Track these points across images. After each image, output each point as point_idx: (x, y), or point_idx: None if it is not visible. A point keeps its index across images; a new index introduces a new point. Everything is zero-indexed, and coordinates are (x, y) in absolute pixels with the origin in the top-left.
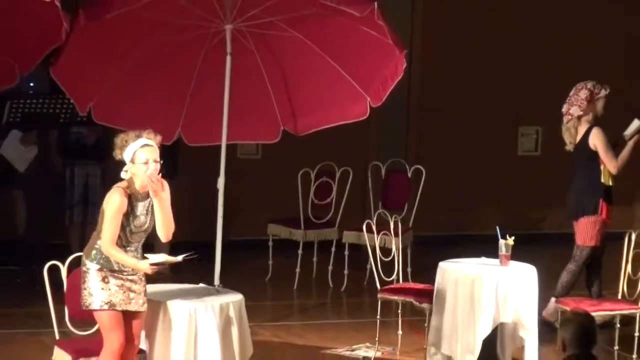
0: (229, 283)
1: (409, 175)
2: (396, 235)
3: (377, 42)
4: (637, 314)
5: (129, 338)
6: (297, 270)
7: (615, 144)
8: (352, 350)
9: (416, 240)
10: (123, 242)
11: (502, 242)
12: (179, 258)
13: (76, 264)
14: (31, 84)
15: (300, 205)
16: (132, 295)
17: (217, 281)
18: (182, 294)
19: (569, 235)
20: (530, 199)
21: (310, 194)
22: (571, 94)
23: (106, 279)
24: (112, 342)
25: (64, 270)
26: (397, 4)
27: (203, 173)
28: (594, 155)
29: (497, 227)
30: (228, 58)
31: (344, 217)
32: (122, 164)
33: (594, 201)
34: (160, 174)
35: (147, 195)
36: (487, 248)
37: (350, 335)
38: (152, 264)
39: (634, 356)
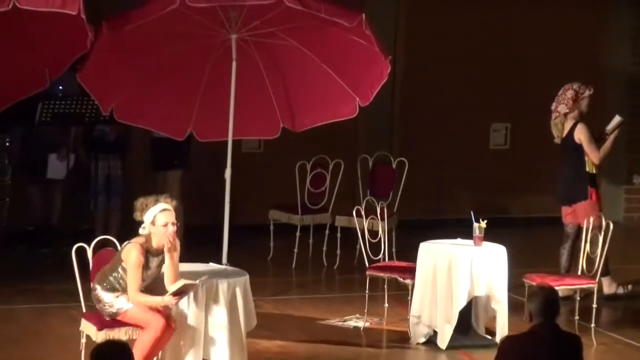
0: (235, 262)
1: (394, 166)
2: (382, 219)
3: (365, 50)
4: (595, 288)
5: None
6: (295, 250)
7: (598, 137)
8: (344, 321)
9: (400, 223)
10: (122, 289)
11: (475, 225)
12: (197, 282)
13: (100, 245)
14: (60, 87)
15: (298, 194)
16: None
17: (224, 260)
18: (194, 272)
19: (535, 219)
20: (500, 187)
21: (306, 183)
22: (559, 93)
23: (116, 295)
24: (154, 323)
25: (89, 252)
26: (383, 15)
27: (212, 165)
28: (579, 147)
29: (471, 212)
30: (233, 64)
31: (336, 204)
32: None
33: (583, 188)
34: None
35: (161, 252)
36: (462, 230)
37: (342, 308)
38: (174, 295)
39: (592, 325)
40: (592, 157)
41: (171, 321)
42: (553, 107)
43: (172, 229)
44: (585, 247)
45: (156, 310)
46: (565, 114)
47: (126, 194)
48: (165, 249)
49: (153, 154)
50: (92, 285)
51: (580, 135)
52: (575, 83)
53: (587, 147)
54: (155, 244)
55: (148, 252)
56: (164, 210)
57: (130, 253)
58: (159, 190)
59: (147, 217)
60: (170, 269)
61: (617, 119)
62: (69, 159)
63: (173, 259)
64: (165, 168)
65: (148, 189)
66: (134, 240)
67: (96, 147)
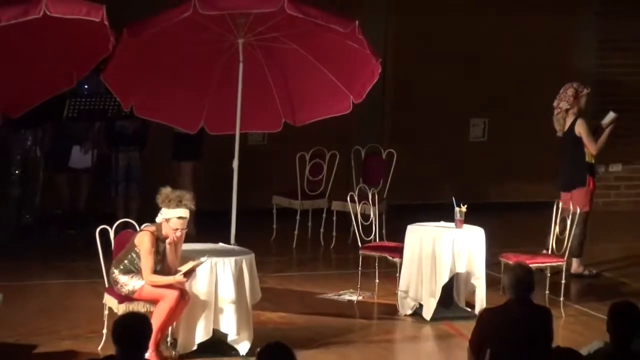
0: (242, 242)
1: (384, 157)
2: (373, 204)
3: (358, 52)
4: (563, 266)
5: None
6: (296, 232)
7: (594, 131)
8: (339, 295)
9: (389, 208)
10: (137, 270)
11: (457, 209)
12: (203, 260)
13: (121, 228)
14: (86, 86)
15: (298, 181)
16: None
17: (232, 241)
18: (205, 251)
19: (510, 204)
20: (479, 175)
21: (305, 172)
22: (561, 91)
23: (131, 276)
24: (169, 295)
25: (112, 233)
26: (374, 22)
27: (221, 156)
28: (579, 140)
29: (453, 198)
30: (240, 65)
31: (332, 190)
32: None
33: (582, 176)
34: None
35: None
36: (445, 214)
37: (338, 283)
38: (184, 274)
39: (561, 299)
40: (591, 148)
41: (185, 293)
42: (555, 104)
43: (180, 233)
44: (554, 229)
45: (169, 285)
46: (567, 110)
47: (144, 182)
48: (167, 242)
49: (176, 146)
50: (111, 269)
51: (580, 129)
52: (575, 82)
53: (586, 140)
54: (164, 232)
55: (158, 239)
56: (181, 217)
57: (143, 240)
58: (173, 178)
59: (165, 213)
60: (169, 257)
61: (611, 114)
62: (92, 152)
63: (172, 250)
64: (180, 159)
65: (165, 177)
66: (146, 228)
67: (116, 141)
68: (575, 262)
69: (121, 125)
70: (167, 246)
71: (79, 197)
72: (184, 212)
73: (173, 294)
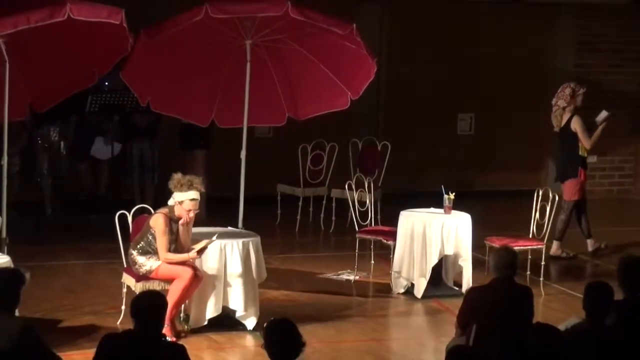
0: (249, 226)
1: (379, 148)
2: (369, 192)
3: (356, 53)
4: (543, 249)
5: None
6: (298, 217)
7: (589, 127)
8: (338, 275)
9: (384, 195)
10: (153, 251)
11: (446, 197)
12: (214, 238)
13: (139, 213)
14: (106, 83)
15: (300, 170)
16: None
17: (240, 224)
18: (215, 233)
19: (494, 192)
20: (466, 165)
21: (307, 162)
22: (559, 90)
23: (148, 257)
24: (183, 273)
25: (129, 217)
26: (370, 24)
27: (231, 147)
28: (574, 135)
29: (442, 186)
30: (248, 64)
31: (331, 179)
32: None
33: (575, 168)
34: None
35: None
36: (435, 201)
37: (336, 264)
38: (197, 252)
39: (541, 279)
40: (585, 143)
41: (198, 272)
42: (553, 102)
43: (192, 214)
44: (535, 215)
45: (183, 264)
46: (564, 108)
47: (159, 169)
48: (180, 222)
49: (182, 137)
50: (129, 251)
51: (576, 125)
52: (572, 82)
53: (581, 135)
54: (176, 213)
55: (171, 220)
56: (193, 199)
57: (158, 221)
58: (187, 167)
59: (178, 197)
60: (181, 236)
61: (605, 113)
62: (112, 144)
63: (185, 230)
64: (191, 148)
65: (178, 166)
66: (159, 211)
67: (131, 134)
68: (555, 245)
69: (134, 120)
70: (180, 227)
71: (100, 185)
72: (196, 194)
73: (187, 274)
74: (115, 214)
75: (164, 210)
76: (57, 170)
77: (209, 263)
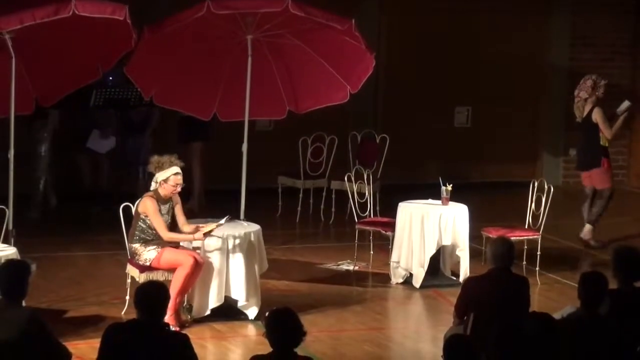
0: (251, 218)
1: (377, 141)
2: (369, 183)
3: (354, 48)
4: (539, 239)
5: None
6: (299, 209)
7: (610, 118)
8: (338, 265)
9: (383, 187)
10: (150, 237)
11: (443, 188)
12: (222, 222)
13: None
14: (110, 78)
15: (301, 163)
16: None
17: (242, 216)
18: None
19: (491, 183)
20: (463, 157)
21: (307, 155)
22: (581, 82)
23: (147, 248)
24: (185, 261)
25: (134, 209)
26: (369, 20)
27: (232, 140)
28: (596, 126)
29: (440, 178)
30: (249, 59)
31: (331, 171)
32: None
33: (598, 158)
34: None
35: (168, 200)
36: (432, 193)
37: (336, 255)
38: (204, 234)
39: (537, 268)
40: (606, 133)
41: (199, 258)
42: (575, 93)
43: (179, 188)
44: (531, 206)
45: (185, 252)
46: (585, 99)
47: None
48: (174, 202)
49: (181, 129)
50: (128, 245)
51: (597, 116)
52: (594, 74)
53: (602, 126)
54: (162, 194)
55: (158, 201)
56: (177, 173)
57: (146, 204)
58: (186, 159)
59: (162, 176)
60: (181, 218)
61: (626, 103)
62: (110, 138)
63: (180, 212)
64: (190, 140)
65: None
66: (144, 196)
67: (127, 128)
68: (587, 228)
69: (130, 115)
70: (176, 208)
71: (100, 178)
72: (177, 168)
73: (189, 261)
74: (116, 207)
75: (149, 193)
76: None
77: (212, 254)
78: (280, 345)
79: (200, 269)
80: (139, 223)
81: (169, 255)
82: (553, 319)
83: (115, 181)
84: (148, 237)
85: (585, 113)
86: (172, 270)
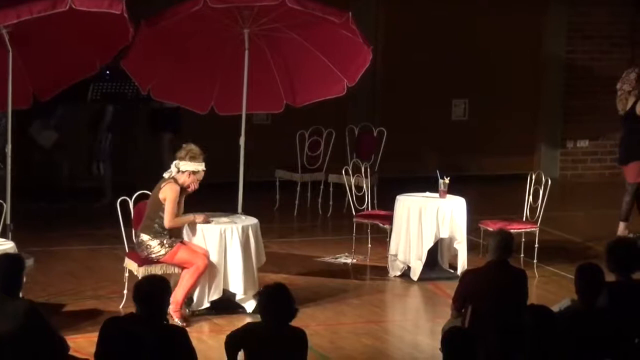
0: (248, 211)
1: (375, 134)
2: (366, 177)
3: (352, 41)
4: (537, 232)
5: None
6: (296, 202)
7: None
8: (335, 258)
9: (380, 180)
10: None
11: (441, 181)
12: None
13: (139, 199)
14: (107, 72)
15: (298, 156)
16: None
17: (240, 209)
18: (216, 218)
19: (488, 176)
20: (460, 150)
21: (305, 148)
22: (623, 75)
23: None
24: (200, 262)
25: (131, 203)
26: (366, 13)
27: (230, 134)
28: (638, 119)
29: (437, 171)
30: (246, 53)
31: (329, 164)
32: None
33: (637, 151)
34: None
35: (183, 191)
36: (430, 186)
37: (334, 248)
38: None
39: (535, 261)
40: None
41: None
42: (618, 87)
43: (197, 184)
44: (528, 198)
45: (200, 252)
46: (629, 92)
47: (108, 160)
48: (189, 190)
49: (150, 121)
50: (136, 233)
51: None
52: (637, 67)
53: None
54: (183, 182)
55: (182, 190)
56: (204, 170)
57: (172, 190)
58: (159, 150)
59: (193, 166)
60: (182, 206)
61: None
62: (50, 130)
63: (182, 200)
64: (159, 131)
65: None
66: (168, 181)
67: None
68: (621, 226)
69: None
70: (183, 198)
71: (56, 174)
72: (203, 167)
73: (203, 263)
74: (116, 200)
75: (170, 180)
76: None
77: (210, 247)
78: (273, 321)
79: (207, 269)
80: (159, 214)
81: (185, 255)
82: (551, 311)
83: (71, 177)
84: (161, 230)
85: (628, 106)
86: (181, 266)
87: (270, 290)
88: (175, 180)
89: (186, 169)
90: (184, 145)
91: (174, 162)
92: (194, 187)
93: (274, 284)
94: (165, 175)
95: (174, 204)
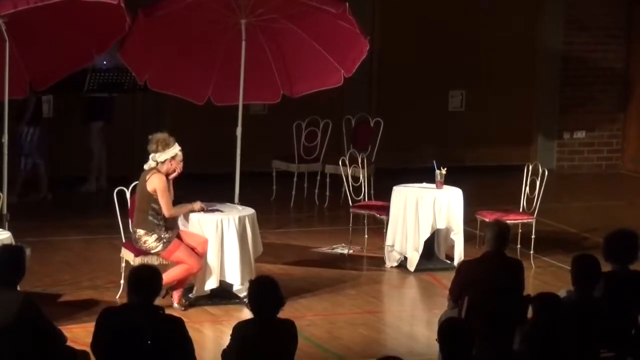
0: (245, 201)
1: (372, 125)
2: (363, 167)
3: (348, 31)
4: (533, 222)
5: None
6: (293, 192)
7: None
8: (332, 249)
9: (377, 171)
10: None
11: (437, 172)
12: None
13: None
14: (104, 62)
15: (295, 147)
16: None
17: (236, 200)
18: (213, 209)
19: (485, 167)
20: (457, 141)
21: (302, 139)
22: None
23: (153, 234)
24: (195, 265)
25: (128, 193)
26: (363, 4)
27: (226, 125)
28: None
29: (434, 162)
30: (243, 43)
31: (325, 155)
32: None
33: None
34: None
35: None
36: (427, 176)
37: (331, 239)
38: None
39: (531, 252)
40: None
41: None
42: None
43: (179, 170)
44: (525, 190)
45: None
46: None
47: (32, 156)
48: (173, 175)
49: (83, 111)
50: (134, 231)
51: None
52: None
53: None
54: (165, 171)
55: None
56: (180, 150)
57: (160, 180)
58: (91, 138)
59: (169, 153)
60: (173, 192)
61: None
62: None
63: (172, 186)
64: (89, 120)
65: (75, 141)
66: (152, 172)
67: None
68: None
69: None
70: (170, 184)
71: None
72: (180, 153)
73: (196, 267)
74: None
75: (153, 171)
76: None
77: (207, 238)
78: (260, 311)
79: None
80: (152, 205)
81: (182, 255)
82: (559, 298)
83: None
84: (156, 221)
85: None
86: (177, 263)
87: (255, 282)
88: (159, 170)
89: (164, 158)
90: (149, 138)
91: (150, 157)
92: (179, 169)
93: (259, 276)
94: (146, 166)
95: (166, 194)
